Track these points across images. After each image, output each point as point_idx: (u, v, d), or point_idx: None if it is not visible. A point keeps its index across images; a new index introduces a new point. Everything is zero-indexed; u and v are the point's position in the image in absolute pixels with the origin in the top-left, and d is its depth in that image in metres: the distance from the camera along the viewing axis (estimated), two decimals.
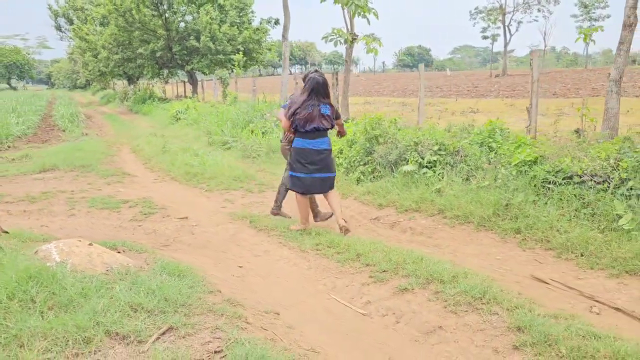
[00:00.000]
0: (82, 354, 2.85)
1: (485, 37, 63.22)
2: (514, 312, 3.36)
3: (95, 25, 33.40)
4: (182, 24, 27.45)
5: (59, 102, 31.58)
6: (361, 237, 5.31)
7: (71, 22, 45.88)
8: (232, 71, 23.69)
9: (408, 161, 6.94)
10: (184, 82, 32.45)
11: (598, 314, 3.61)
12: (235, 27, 26.81)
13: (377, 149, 7.53)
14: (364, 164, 7.58)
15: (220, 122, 13.77)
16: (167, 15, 26.45)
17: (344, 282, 4.31)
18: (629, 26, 7.11)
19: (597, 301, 3.76)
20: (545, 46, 60.29)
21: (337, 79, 14.30)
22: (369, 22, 12.59)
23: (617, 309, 3.63)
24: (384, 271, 4.24)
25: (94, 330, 2.98)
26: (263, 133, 11.43)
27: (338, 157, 8.09)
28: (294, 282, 4.44)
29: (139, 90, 34.30)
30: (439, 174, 6.65)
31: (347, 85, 13.70)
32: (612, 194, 4.86)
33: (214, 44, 25.80)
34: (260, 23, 28.97)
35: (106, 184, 8.57)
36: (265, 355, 2.84)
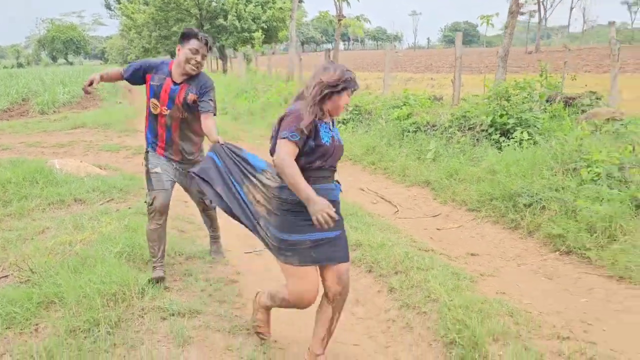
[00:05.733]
0: (60, 207, 5.30)
1: (521, 14, 62.92)
2: None
3: (139, 4, 36.31)
4: (214, 3, 29.93)
5: None
6: None
7: (119, 1, 49.18)
8: (253, 48, 26.02)
9: None
10: (217, 58, 35.12)
11: (375, 203, 5.78)
12: (260, 6, 29.07)
13: None
14: None
15: (227, 93, 16.16)
16: None
17: None
18: (511, 13, 8.93)
19: (382, 198, 5.92)
20: (585, 22, 59.52)
21: (329, 56, 16.44)
22: (349, 5, 14.55)
23: (389, 202, 5.78)
24: None
25: (67, 197, 5.42)
26: (250, 100, 13.75)
27: None
28: None
29: None
30: (351, 128, 8.79)
31: (336, 61, 15.73)
32: (435, 137, 6.91)
33: (239, 22, 28.21)
34: (284, 2, 31.04)
35: (117, 137, 11.13)
36: None
